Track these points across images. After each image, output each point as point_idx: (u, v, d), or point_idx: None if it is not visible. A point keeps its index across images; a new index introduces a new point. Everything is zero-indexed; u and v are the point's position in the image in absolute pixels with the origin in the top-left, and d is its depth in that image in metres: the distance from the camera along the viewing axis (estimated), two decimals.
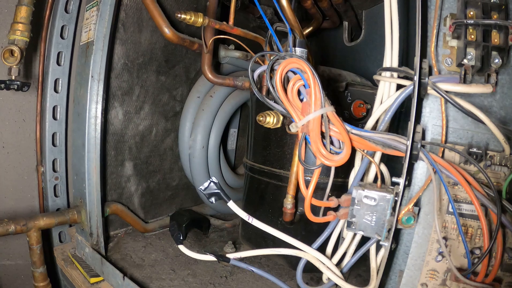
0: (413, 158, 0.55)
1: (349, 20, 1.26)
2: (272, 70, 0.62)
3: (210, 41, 0.91)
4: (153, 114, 1.15)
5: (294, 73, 0.60)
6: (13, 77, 0.80)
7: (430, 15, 0.59)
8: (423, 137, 0.61)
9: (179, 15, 0.83)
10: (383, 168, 0.65)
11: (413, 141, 0.54)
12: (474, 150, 0.56)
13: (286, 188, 0.80)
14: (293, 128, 0.61)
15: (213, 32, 0.91)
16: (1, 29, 0.94)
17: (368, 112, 0.88)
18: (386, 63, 0.65)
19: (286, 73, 0.61)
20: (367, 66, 1.19)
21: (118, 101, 1.04)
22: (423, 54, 0.59)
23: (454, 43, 0.57)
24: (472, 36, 0.53)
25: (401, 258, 0.61)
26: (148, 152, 1.16)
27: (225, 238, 1.16)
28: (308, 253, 0.68)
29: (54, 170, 1.04)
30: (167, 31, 0.94)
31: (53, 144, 1.04)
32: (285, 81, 0.62)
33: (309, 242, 0.69)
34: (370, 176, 0.66)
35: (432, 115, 0.59)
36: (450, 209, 0.58)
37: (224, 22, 0.88)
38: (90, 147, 0.91)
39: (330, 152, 0.58)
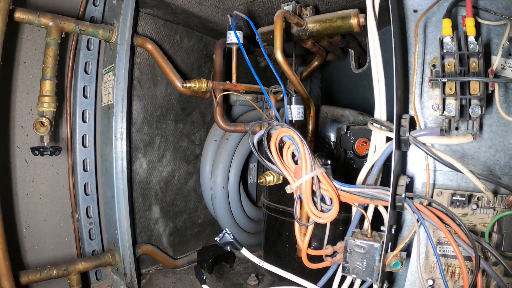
0: (398, 208, 0.60)
1: (354, 48, 1.31)
2: (268, 135, 0.70)
3: (217, 98, 1.00)
4: (175, 159, 1.25)
5: None
6: (46, 144, 0.91)
7: (411, 64, 0.65)
8: (411, 185, 0.67)
9: (184, 85, 0.92)
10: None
11: (395, 193, 0.59)
12: (458, 197, 0.61)
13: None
14: (288, 190, 0.68)
15: (221, 89, 1.00)
16: (30, 93, 1.07)
17: None
18: (376, 114, 0.70)
19: (281, 138, 0.68)
20: None
21: (141, 152, 1.14)
22: (405, 109, 0.65)
23: (437, 92, 0.62)
24: (451, 88, 0.57)
25: None
26: (173, 195, 1.25)
27: (249, 270, 1.23)
28: None
29: (88, 216, 1.15)
30: (179, 85, 1.01)
31: (86, 193, 1.15)
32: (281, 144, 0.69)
33: (321, 277, 0.75)
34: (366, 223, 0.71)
35: (420, 162, 0.64)
36: (438, 251, 0.63)
37: (227, 82, 0.97)
38: (119, 198, 1.01)
39: (321, 210, 0.65)
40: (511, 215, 0.58)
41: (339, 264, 0.74)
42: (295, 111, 0.83)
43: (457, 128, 0.63)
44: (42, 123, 0.88)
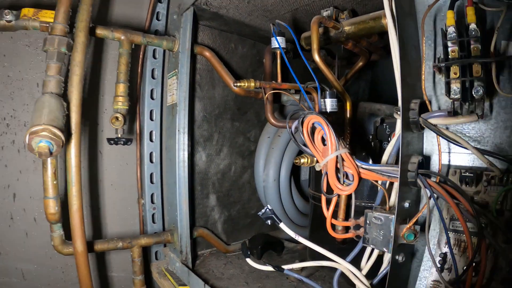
0: (411, 184, 0.67)
1: None
2: (302, 122, 0.80)
3: (266, 95, 1.12)
4: (231, 154, 1.39)
5: None
6: (119, 135, 1.09)
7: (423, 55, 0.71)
8: (428, 164, 0.72)
9: (236, 84, 1.05)
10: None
11: (406, 170, 0.66)
12: (467, 174, 0.66)
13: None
14: (317, 167, 0.78)
15: (270, 88, 1.12)
16: (105, 96, 1.27)
17: None
18: (399, 103, 0.77)
19: (313, 124, 0.78)
20: None
21: (201, 146, 1.30)
22: (418, 95, 0.71)
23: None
24: (455, 73, 0.63)
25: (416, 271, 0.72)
26: (228, 186, 1.39)
27: (295, 259, 1.31)
28: (342, 264, 0.82)
29: (152, 202, 1.33)
30: (232, 85, 1.14)
31: (151, 182, 1.32)
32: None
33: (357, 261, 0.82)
34: (392, 200, 0.78)
35: (436, 143, 0.70)
36: (451, 227, 0.68)
37: (273, 82, 1.08)
38: (180, 185, 1.16)
39: (343, 184, 0.74)
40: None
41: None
42: (329, 104, 0.93)
43: (472, 112, 0.68)
44: (117, 118, 1.06)
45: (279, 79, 1.08)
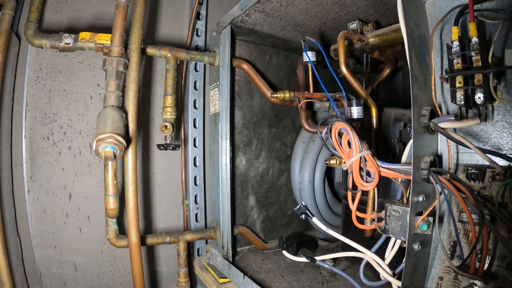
0: (425, 181, 0.75)
1: None
2: (331, 129, 0.90)
3: (300, 104, 1.23)
4: (269, 158, 1.50)
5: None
6: (168, 142, 1.23)
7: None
8: (440, 163, 0.80)
9: (273, 95, 1.17)
10: None
11: (421, 168, 0.75)
12: (472, 171, 0.73)
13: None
14: (344, 167, 0.88)
15: (303, 97, 1.23)
16: (152, 107, 1.43)
17: None
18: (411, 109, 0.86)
19: (340, 129, 0.88)
20: None
21: (241, 151, 1.42)
22: (429, 101, 0.80)
23: None
24: (460, 82, 0.71)
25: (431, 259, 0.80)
26: (267, 188, 1.50)
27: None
28: (367, 254, 0.91)
29: (196, 202, 1.46)
30: (269, 95, 1.26)
31: (195, 184, 1.46)
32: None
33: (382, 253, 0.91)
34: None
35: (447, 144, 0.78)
36: (461, 219, 0.75)
37: (306, 92, 1.19)
38: (223, 186, 1.29)
39: (366, 181, 0.83)
40: None
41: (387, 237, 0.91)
42: (355, 111, 1.03)
43: (480, 115, 0.75)
44: (166, 126, 1.20)
45: (311, 89, 1.19)
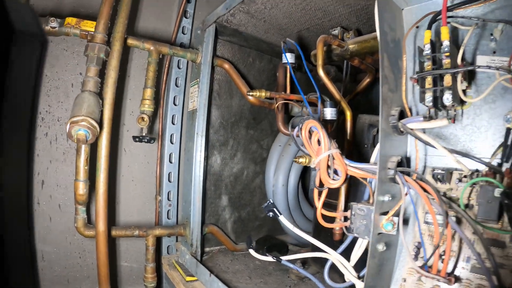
0: (391, 181, 0.76)
1: None
2: (301, 127, 0.91)
3: (277, 104, 1.23)
4: (245, 160, 1.50)
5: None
6: (144, 134, 1.22)
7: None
8: (409, 164, 0.81)
9: (250, 93, 1.18)
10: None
11: (388, 168, 0.75)
12: (438, 171, 0.74)
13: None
14: (312, 164, 0.88)
15: (281, 99, 1.24)
16: (132, 100, 1.42)
17: None
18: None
19: (310, 127, 0.89)
20: None
21: (217, 150, 1.41)
22: (398, 103, 0.81)
23: None
24: (429, 83, 0.73)
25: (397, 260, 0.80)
26: (240, 189, 1.49)
27: (298, 260, 1.39)
28: (332, 255, 0.90)
29: (168, 199, 1.44)
30: (258, 93, 1.27)
31: (169, 180, 1.45)
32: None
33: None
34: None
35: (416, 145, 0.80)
36: (427, 220, 0.76)
37: (283, 92, 1.20)
38: (195, 183, 1.28)
39: (333, 179, 0.83)
40: (482, 185, 0.69)
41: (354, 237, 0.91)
42: (329, 112, 1.04)
43: (448, 117, 0.76)
44: (143, 118, 1.20)
45: (288, 90, 1.20)
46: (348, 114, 1.09)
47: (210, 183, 1.40)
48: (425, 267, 0.70)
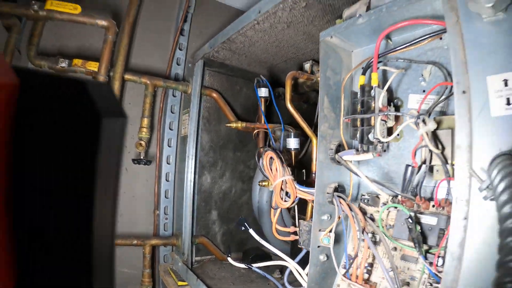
0: (330, 203, 0.91)
1: None
2: (262, 157, 1.07)
3: (254, 133, 1.41)
4: (233, 178, 1.67)
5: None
6: (142, 157, 1.41)
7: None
8: (344, 189, 0.97)
9: (227, 124, 1.36)
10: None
11: (327, 192, 0.91)
12: (365, 196, 0.89)
13: None
14: (270, 188, 1.05)
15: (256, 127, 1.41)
16: (133, 125, 1.61)
17: None
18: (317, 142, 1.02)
19: (270, 157, 1.05)
20: None
21: (207, 170, 1.59)
22: (337, 138, 0.96)
23: None
24: (358, 123, 0.88)
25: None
26: (228, 205, 1.66)
27: (278, 269, 1.54)
28: (290, 264, 1.06)
29: (165, 213, 1.62)
30: (235, 124, 1.46)
31: (165, 197, 1.63)
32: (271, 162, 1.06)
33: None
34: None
35: (354, 174, 0.95)
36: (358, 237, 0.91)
37: (257, 123, 1.37)
38: (186, 199, 1.46)
39: (284, 200, 1.00)
40: (398, 209, 0.84)
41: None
42: (292, 142, 1.20)
43: (375, 150, 0.91)
44: (140, 144, 1.39)
45: (262, 121, 1.37)
46: (314, 141, 1.25)
47: (201, 199, 1.57)
48: (347, 274, 0.85)
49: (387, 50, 0.90)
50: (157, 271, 1.60)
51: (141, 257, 1.48)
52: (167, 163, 1.66)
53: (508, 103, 0.57)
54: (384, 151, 0.90)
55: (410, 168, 0.79)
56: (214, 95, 1.54)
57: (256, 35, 1.25)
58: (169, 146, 1.66)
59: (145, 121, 1.43)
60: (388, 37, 0.91)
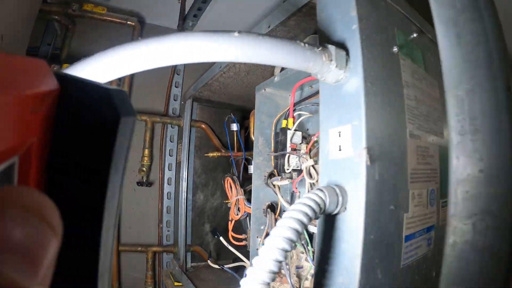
0: (265, 216, 1.19)
1: None
2: (224, 180, 1.37)
3: (231, 159, 1.70)
4: (223, 196, 1.96)
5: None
6: (144, 181, 1.75)
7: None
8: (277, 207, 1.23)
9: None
10: None
11: (262, 208, 1.18)
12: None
13: None
14: (228, 205, 1.34)
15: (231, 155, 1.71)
16: (137, 152, 1.95)
17: None
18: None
19: (229, 182, 1.34)
20: None
21: (200, 189, 1.89)
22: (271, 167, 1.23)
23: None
24: (278, 157, 1.15)
25: None
26: (220, 219, 1.95)
27: None
28: (247, 263, 1.33)
29: (167, 226, 1.95)
30: (223, 150, 1.77)
31: (167, 212, 1.95)
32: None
33: None
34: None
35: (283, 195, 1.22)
36: None
37: (232, 152, 1.67)
38: (181, 214, 1.77)
39: (236, 214, 1.28)
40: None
41: None
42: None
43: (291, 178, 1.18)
44: (143, 170, 1.73)
45: (235, 149, 1.66)
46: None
47: (195, 214, 1.88)
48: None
49: (303, 98, 1.17)
50: (160, 275, 1.92)
51: (143, 263, 1.81)
52: (168, 184, 1.99)
53: (340, 149, 0.83)
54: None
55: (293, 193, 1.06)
56: (203, 126, 1.85)
57: (226, 80, 1.56)
58: (169, 170, 1.99)
59: (146, 151, 1.77)
60: (303, 87, 1.18)
